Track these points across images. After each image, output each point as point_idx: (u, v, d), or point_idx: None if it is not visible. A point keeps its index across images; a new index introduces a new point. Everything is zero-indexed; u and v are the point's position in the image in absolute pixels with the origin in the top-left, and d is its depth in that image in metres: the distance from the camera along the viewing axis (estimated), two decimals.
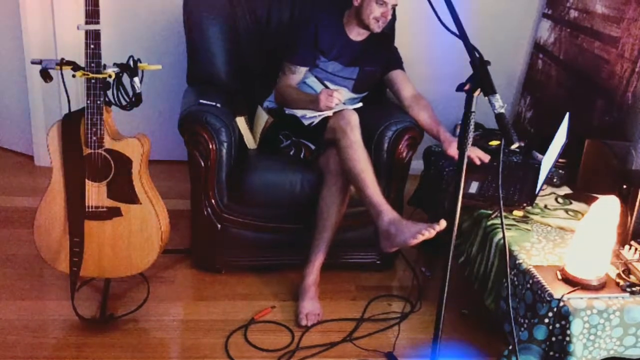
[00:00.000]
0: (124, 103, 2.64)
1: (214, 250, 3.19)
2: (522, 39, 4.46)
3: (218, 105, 3.07)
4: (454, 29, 1.77)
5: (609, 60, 3.40)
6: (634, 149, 3.05)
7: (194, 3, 3.44)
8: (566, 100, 3.84)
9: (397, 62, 3.42)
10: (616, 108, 3.26)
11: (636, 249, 2.46)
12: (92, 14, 2.43)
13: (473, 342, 2.88)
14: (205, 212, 3.06)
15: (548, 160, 2.90)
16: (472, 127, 1.79)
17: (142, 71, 2.62)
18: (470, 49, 1.75)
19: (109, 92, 2.59)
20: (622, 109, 3.22)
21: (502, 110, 1.69)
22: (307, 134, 3.09)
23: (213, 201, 3.05)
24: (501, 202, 1.95)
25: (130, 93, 2.62)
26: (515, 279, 2.43)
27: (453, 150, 3.09)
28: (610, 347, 2.25)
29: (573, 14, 3.85)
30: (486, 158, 3.12)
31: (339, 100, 2.93)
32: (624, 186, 2.58)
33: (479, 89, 1.74)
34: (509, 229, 2.66)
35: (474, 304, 2.96)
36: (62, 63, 2.52)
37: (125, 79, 2.61)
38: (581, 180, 3.02)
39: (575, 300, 2.18)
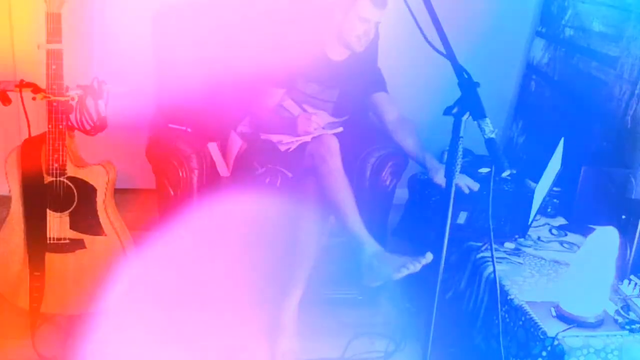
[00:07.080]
0: (87, 128, 2.64)
1: None
2: (514, 59, 4.49)
3: (188, 129, 3.07)
4: (441, 48, 1.79)
5: (606, 81, 3.44)
6: (634, 176, 3.07)
7: (163, 20, 3.44)
8: (561, 125, 3.86)
9: (380, 84, 3.43)
10: (614, 133, 3.30)
11: (636, 284, 2.48)
12: (54, 33, 2.44)
13: None
14: None
15: (541, 189, 2.92)
16: (460, 153, 1.81)
17: (108, 93, 2.63)
18: (459, 69, 1.78)
19: (72, 116, 2.59)
20: (620, 133, 3.25)
21: (493, 136, 1.71)
22: (283, 160, 3.10)
23: None
24: (491, 234, 1.96)
25: (95, 117, 2.63)
26: (506, 315, 2.44)
27: (440, 178, 3.09)
28: None
29: (569, 32, 3.89)
30: (475, 186, 3.14)
31: (318, 124, 2.94)
32: (623, 216, 2.60)
33: (467, 113, 1.76)
34: (500, 262, 2.67)
35: (462, 342, 2.96)
36: (22, 85, 2.52)
37: (90, 101, 2.62)
38: (577, 210, 3.04)
39: (571, 338, 2.19)
